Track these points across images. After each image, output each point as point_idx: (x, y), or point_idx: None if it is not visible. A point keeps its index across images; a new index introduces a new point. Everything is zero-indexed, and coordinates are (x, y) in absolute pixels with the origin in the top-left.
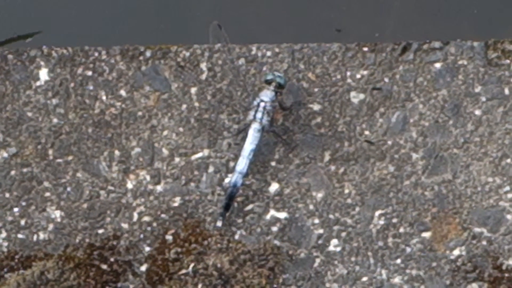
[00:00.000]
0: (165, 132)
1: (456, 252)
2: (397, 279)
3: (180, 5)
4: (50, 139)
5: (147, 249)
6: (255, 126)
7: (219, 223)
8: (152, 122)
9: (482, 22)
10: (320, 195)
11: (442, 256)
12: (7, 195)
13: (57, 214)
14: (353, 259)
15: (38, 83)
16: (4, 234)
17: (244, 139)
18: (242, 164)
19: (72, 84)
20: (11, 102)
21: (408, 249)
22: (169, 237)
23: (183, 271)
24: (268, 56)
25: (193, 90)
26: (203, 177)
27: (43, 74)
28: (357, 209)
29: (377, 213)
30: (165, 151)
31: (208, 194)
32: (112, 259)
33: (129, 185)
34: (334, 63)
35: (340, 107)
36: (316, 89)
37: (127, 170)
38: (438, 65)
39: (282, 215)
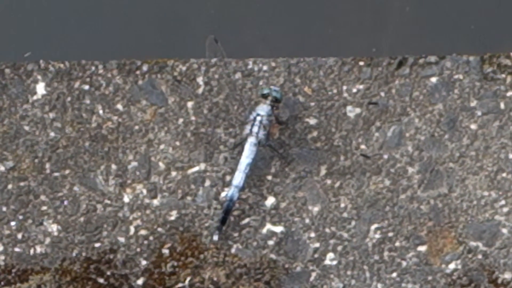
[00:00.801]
0: (162, 146)
1: (451, 266)
2: None
3: (176, 20)
4: (47, 153)
5: (144, 262)
6: (251, 140)
7: (215, 237)
8: (148, 136)
9: (478, 37)
10: (316, 209)
11: (438, 270)
12: (4, 208)
13: (54, 227)
14: (349, 272)
15: (35, 97)
16: (1, 248)
17: (240, 153)
18: (238, 178)
19: (69, 98)
20: (8, 116)
21: (404, 263)
22: (165, 251)
23: (180, 284)
24: (265, 70)
25: (190, 104)
26: (200, 191)
27: (40, 88)
28: (353, 223)
29: (373, 227)
30: (162, 165)
31: (205, 208)
32: (108, 273)
33: (126, 199)
34: (330, 78)
35: (336, 121)
36: (312, 103)
37: (123, 184)
38: (434, 79)
39: (278, 229)
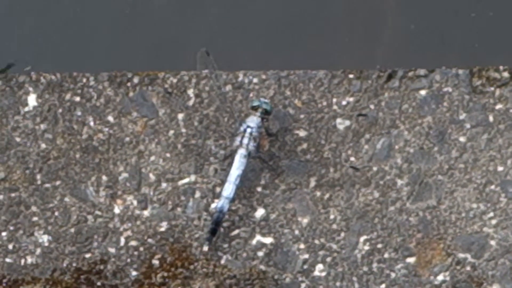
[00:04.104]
0: (152, 158)
1: (440, 277)
2: None
3: (167, 32)
4: (38, 164)
5: (134, 273)
6: (241, 151)
7: (205, 248)
8: (139, 147)
9: (467, 50)
10: (305, 221)
11: (427, 281)
12: None
13: (44, 238)
14: (338, 284)
15: (26, 109)
16: None
17: (230, 164)
18: (228, 189)
19: (60, 110)
20: None
21: (393, 274)
22: (155, 262)
23: None
24: (255, 82)
25: (180, 116)
26: (190, 202)
27: (32, 100)
28: (342, 234)
29: (362, 238)
30: (152, 177)
31: (195, 219)
32: (99, 283)
33: (116, 210)
34: (320, 90)
35: (325, 134)
36: (302, 116)
37: (114, 195)
38: (423, 92)
39: (268, 240)
